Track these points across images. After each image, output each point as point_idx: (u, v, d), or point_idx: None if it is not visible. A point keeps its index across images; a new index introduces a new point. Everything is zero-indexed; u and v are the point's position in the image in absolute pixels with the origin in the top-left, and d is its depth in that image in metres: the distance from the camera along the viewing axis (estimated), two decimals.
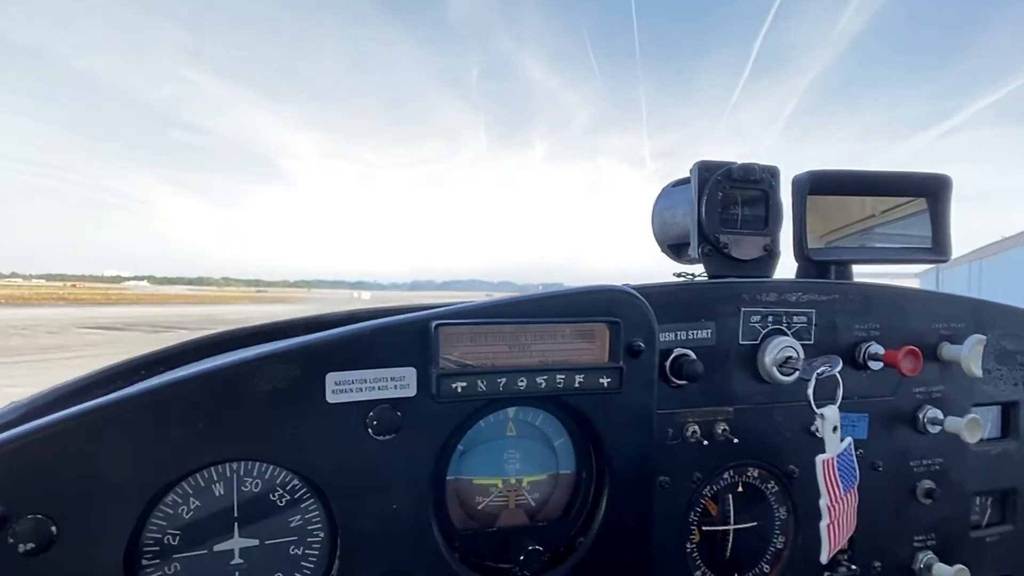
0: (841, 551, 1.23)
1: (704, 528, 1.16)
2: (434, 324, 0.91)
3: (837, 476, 1.06)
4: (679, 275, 1.35)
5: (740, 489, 1.18)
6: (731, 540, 1.17)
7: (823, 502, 1.04)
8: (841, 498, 1.06)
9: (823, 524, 1.05)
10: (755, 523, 1.19)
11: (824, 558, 1.05)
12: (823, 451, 1.06)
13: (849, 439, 1.09)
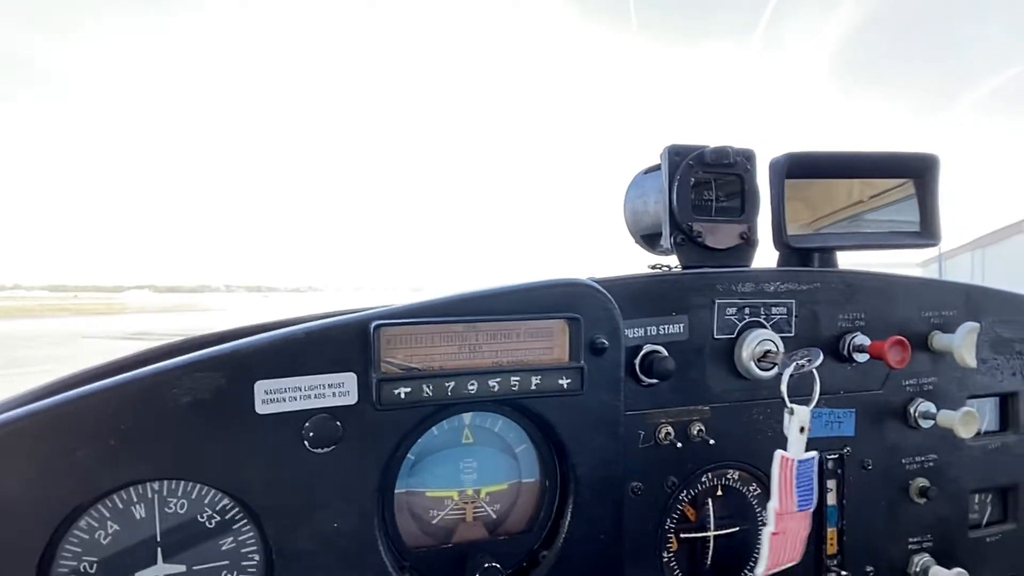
0: (830, 556, 1.16)
1: (682, 535, 1.09)
2: (374, 325, 0.84)
3: (794, 485, 0.93)
4: (654, 267, 1.28)
5: (720, 493, 1.12)
6: (712, 547, 1.10)
7: (772, 505, 0.94)
8: (791, 514, 0.94)
9: (767, 531, 0.94)
10: (737, 528, 1.12)
11: (760, 572, 0.94)
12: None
13: (815, 453, 0.97)
